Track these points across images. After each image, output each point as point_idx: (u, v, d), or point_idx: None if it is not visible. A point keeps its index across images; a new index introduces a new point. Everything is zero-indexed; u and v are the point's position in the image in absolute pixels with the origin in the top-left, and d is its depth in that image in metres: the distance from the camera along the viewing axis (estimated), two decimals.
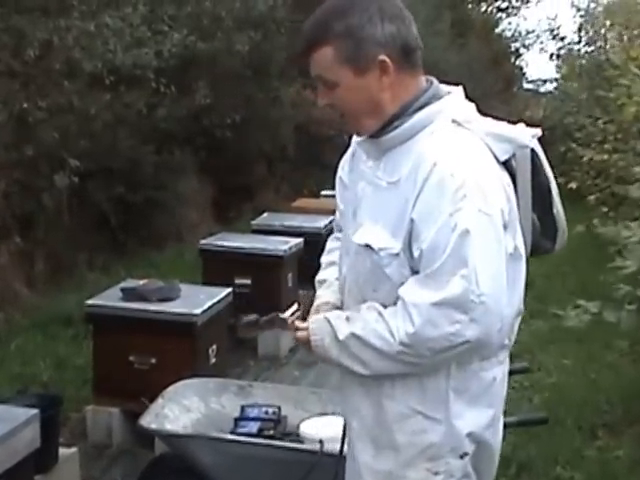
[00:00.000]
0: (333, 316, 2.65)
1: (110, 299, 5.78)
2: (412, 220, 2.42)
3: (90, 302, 5.77)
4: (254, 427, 4.20)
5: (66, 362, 6.94)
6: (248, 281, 7.79)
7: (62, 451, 4.98)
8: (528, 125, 2.66)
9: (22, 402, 4.80)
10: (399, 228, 2.46)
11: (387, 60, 2.46)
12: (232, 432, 4.18)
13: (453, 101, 2.58)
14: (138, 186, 10.57)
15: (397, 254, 2.47)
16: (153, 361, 5.62)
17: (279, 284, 7.98)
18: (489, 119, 2.61)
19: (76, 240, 9.70)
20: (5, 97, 7.84)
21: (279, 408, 4.37)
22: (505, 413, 2.75)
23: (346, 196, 2.79)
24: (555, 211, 2.70)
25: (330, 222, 8.85)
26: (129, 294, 5.75)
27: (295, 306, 8.32)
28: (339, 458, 2.97)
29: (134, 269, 10.01)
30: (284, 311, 8.01)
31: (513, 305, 2.55)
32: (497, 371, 2.61)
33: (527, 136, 2.61)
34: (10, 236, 8.44)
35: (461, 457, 2.58)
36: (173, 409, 4.34)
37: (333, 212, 3.22)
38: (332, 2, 2.55)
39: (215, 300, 5.91)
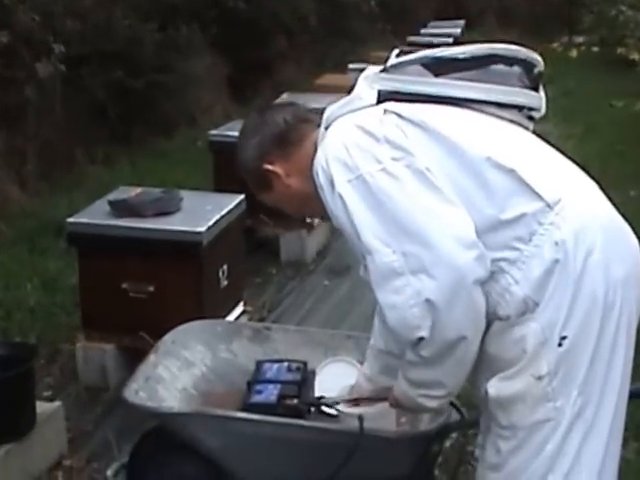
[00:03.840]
0: None
1: (96, 215, 4.77)
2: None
3: (72, 220, 4.78)
4: (273, 393, 3.25)
5: (56, 282, 6.00)
6: None
7: (43, 407, 4.10)
8: None
9: None
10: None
11: (269, 166, 2.65)
12: (245, 403, 3.24)
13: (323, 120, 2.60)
14: (139, 69, 9.52)
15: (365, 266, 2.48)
16: (151, 289, 4.69)
17: None
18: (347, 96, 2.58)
19: (72, 133, 8.72)
20: None
21: (304, 364, 3.43)
22: None
23: None
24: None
25: None
26: (119, 208, 4.74)
27: None
28: None
29: (140, 160, 9.25)
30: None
31: (484, 216, 2.30)
32: None
33: (369, 70, 2.59)
34: None
35: (560, 344, 2.30)
36: (170, 366, 3.41)
37: None
38: None
39: (224, 212, 4.92)
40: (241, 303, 5.32)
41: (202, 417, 3.00)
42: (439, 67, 2.48)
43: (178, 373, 3.39)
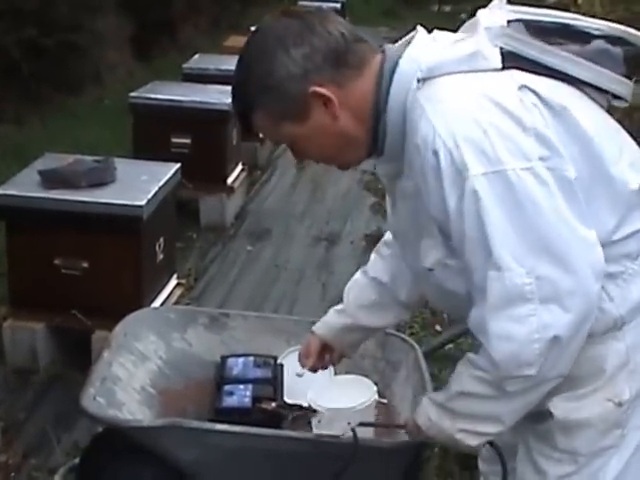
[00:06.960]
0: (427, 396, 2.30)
1: (25, 187, 4.42)
2: (434, 218, 2.01)
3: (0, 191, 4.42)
4: (246, 397, 2.95)
5: None
6: (188, 140, 6.59)
7: None
8: None
9: None
10: (432, 233, 2.06)
11: (318, 88, 2.03)
12: (216, 408, 2.94)
13: (407, 62, 2.02)
14: (52, 27, 9.12)
15: (445, 264, 2.09)
16: (85, 265, 4.40)
17: (225, 142, 6.79)
18: (446, 43, 2.07)
19: None
20: None
21: (274, 358, 3.15)
22: None
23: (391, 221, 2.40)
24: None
25: None
26: (50, 179, 4.40)
27: (240, 167, 7.28)
28: None
29: (51, 120, 8.90)
30: (229, 175, 6.89)
31: (604, 233, 1.97)
32: None
33: (491, 20, 2.05)
34: None
35: None
36: (125, 363, 3.07)
37: None
38: (241, 60, 2.10)
39: (162, 183, 4.62)
40: (174, 276, 5.10)
41: (178, 430, 2.67)
42: (546, 35, 2.06)
43: (134, 370, 3.07)
